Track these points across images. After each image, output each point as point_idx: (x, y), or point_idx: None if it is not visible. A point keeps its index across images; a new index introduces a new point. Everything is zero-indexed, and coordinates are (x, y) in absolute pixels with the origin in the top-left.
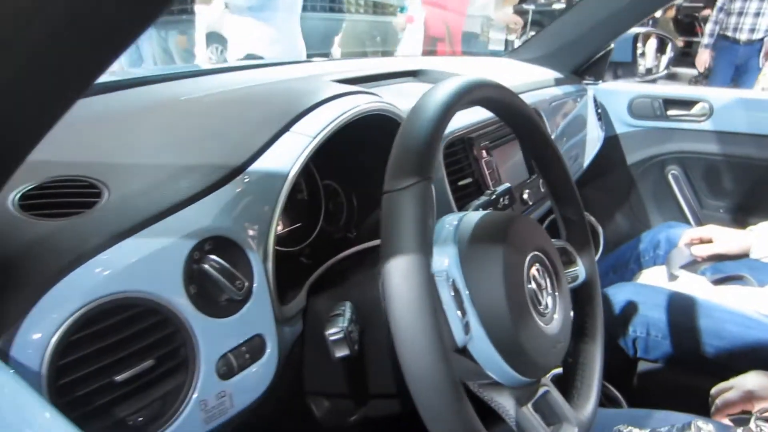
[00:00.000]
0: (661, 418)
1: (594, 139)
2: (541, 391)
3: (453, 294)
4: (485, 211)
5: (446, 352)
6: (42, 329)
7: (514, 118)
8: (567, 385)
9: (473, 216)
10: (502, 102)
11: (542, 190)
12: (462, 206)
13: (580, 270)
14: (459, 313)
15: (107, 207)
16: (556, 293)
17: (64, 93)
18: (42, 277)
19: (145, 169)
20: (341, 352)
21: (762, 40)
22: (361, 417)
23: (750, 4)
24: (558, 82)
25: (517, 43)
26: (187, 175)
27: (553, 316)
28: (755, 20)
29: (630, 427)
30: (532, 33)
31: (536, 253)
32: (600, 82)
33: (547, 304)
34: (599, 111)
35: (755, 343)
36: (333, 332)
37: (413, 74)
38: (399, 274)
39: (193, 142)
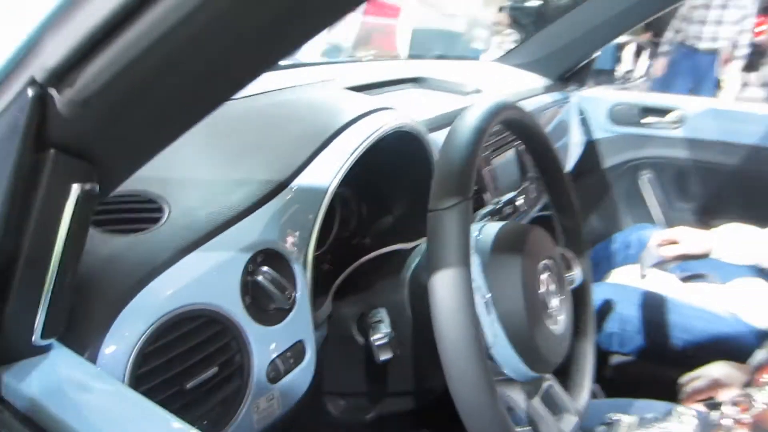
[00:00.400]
0: (642, 406)
1: (576, 144)
2: (546, 384)
3: (484, 301)
4: (502, 222)
5: (484, 355)
6: (123, 341)
7: (530, 138)
8: (564, 378)
9: (492, 227)
10: (521, 122)
11: (531, 197)
12: None
13: (577, 274)
14: (489, 318)
15: (171, 222)
16: (561, 296)
17: (212, 99)
18: (119, 291)
19: (197, 183)
20: (386, 355)
21: (720, 51)
22: (377, 414)
23: (710, 13)
24: (546, 89)
25: (496, 41)
26: (236, 189)
27: (559, 317)
28: (715, 29)
29: (619, 415)
30: (510, 31)
31: (546, 261)
32: (583, 88)
33: (554, 307)
34: (582, 117)
35: (719, 337)
36: (378, 337)
37: (414, 81)
38: (447, 286)
39: (237, 156)
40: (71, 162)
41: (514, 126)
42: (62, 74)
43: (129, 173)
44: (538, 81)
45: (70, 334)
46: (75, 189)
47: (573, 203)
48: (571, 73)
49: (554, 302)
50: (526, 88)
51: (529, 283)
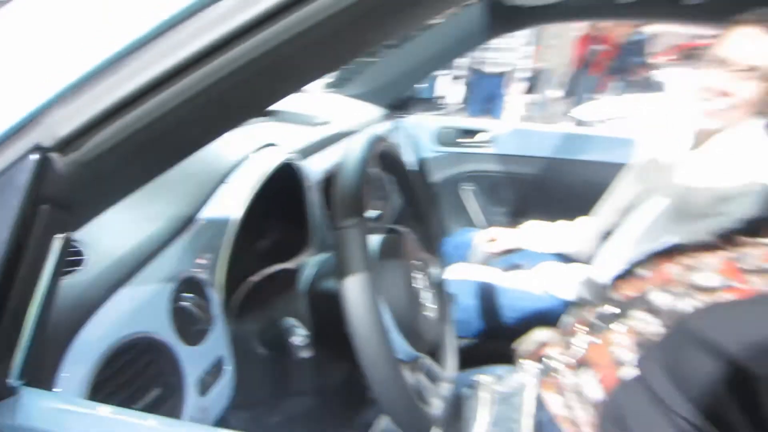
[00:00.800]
0: (492, 371)
1: (409, 164)
2: (425, 361)
3: None
4: (381, 235)
5: (391, 342)
6: (75, 377)
7: (394, 164)
8: (435, 355)
9: (374, 238)
10: (389, 152)
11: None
12: None
13: (436, 272)
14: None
15: (94, 263)
16: (431, 290)
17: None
18: (62, 333)
19: (110, 224)
20: (308, 353)
21: (507, 74)
22: (281, 418)
23: (495, 40)
24: (383, 117)
25: None
26: (150, 225)
27: (431, 306)
28: (497, 54)
29: (480, 376)
30: None
31: (416, 262)
32: (410, 115)
33: (427, 298)
34: (412, 141)
35: (538, 311)
36: (299, 339)
37: (267, 113)
38: (358, 288)
39: (142, 196)
40: (59, 214)
41: (384, 155)
42: (70, 141)
43: (94, 218)
44: (373, 110)
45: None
46: (58, 239)
47: (430, 215)
48: (399, 102)
49: (426, 295)
50: (365, 117)
51: (408, 281)
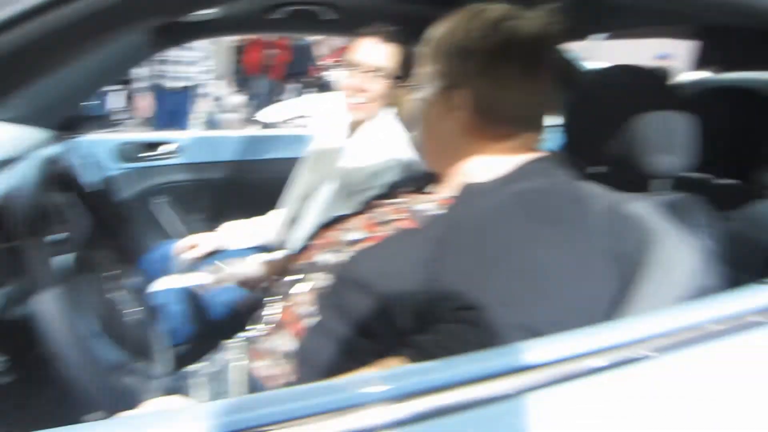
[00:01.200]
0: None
1: (89, 184)
2: (141, 364)
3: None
4: (70, 254)
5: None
6: None
7: (70, 185)
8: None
9: (64, 258)
10: (63, 174)
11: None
12: None
13: (134, 281)
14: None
15: None
16: (133, 300)
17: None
18: None
19: None
20: (9, 378)
21: (190, 87)
22: None
23: (170, 53)
24: (50, 139)
25: None
26: None
27: (133, 313)
28: (179, 68)
29: (192, 365)
30: None
31: (112, 274)
32: (84, 134)
33: (130, 308)
34: (91, 160)
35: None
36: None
37: None
38: (50, 303)
39: None
40: None
41: (59, 177)
42: None
43: None
44: (36, 133)
45: None
46: None
47: (120, 232)
48: (67, 121)
49: (129, 304)
50: (28, 141)
51: (104, 293)
